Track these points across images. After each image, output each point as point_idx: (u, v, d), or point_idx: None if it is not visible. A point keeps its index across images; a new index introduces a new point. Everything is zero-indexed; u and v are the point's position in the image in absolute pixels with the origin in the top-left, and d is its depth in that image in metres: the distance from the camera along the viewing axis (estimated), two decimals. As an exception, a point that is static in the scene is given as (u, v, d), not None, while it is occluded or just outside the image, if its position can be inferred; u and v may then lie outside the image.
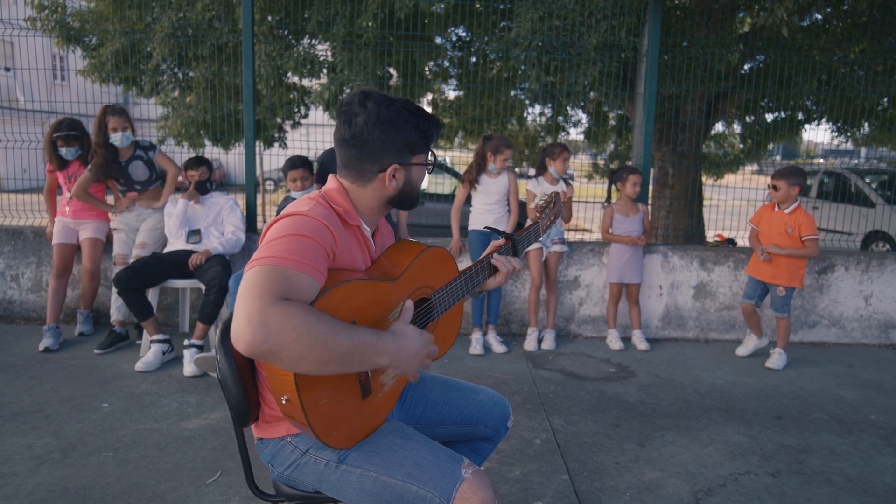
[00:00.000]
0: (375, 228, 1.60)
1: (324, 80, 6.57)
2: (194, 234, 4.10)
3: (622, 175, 4.63)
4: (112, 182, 4.31)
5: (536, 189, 4.57)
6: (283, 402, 1.31)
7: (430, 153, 1.55)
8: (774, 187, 4.12)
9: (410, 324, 1.40)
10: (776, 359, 4.22)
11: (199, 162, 4.20)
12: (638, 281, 4.58)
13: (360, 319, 1.36)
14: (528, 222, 4.51)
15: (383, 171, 1.46)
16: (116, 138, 4.05)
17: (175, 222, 4.07)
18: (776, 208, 4.17)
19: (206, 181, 4.21)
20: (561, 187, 4.58)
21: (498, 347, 4.37)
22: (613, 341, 4.55)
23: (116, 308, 4.19)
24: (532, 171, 7.62)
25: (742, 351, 4.45)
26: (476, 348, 4.31)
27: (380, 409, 1.48)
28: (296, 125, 7.75)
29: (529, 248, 4.50)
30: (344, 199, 1.47)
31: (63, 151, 4.27)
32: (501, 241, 1.77)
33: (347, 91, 6.38)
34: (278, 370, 1.27)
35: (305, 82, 7.28)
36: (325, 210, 1.39)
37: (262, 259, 1.24)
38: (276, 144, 7.97)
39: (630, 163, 5.33)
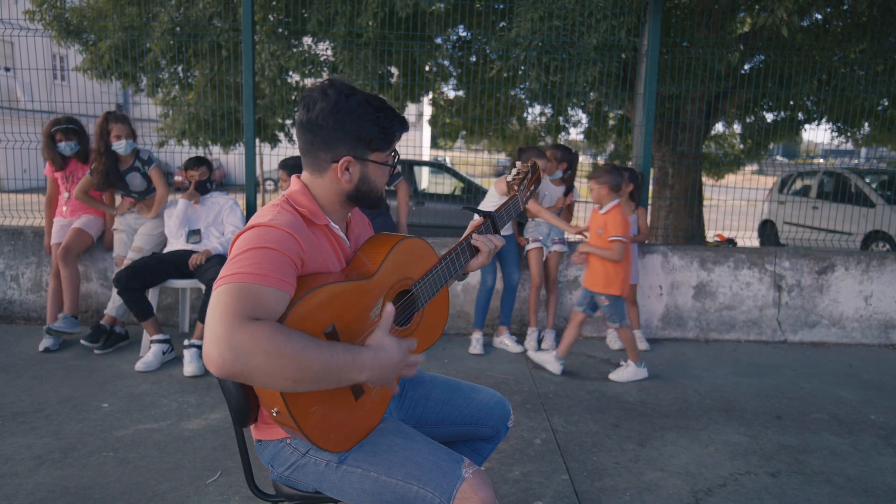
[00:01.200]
0: (347, 223, 1.58)
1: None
2: (194, 234, 4.10)
3: None
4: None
5: (542, 189, 4.58)
6: (274, 413, 1.31)
7: (392, 154, 1.51)
8: (591, 189, 3.97)
9: (389, 334, 1.37)
10: (620, 372, 3.87)
11: (200, 162, 4.20)
12: (633, 282, 4.57)
13: (339, 323, 1.34)
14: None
15: (336, 161, 1.43)
16: (120, 146, 4.01)
17: (175, 222, 4.07)
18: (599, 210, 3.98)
19: (207, 181, 4.21)
20: (564, 189, 4.58)
21: (514, 347, 4.36)
22: (613, 341, 4.56)
23: (115, 307, 4.18)
24: None
25: (613, 376, 3.90)
26: (476, 348, 4.31)
27: (375, 407, 1.47)
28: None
29: (530, 248, 4.51)
30: (308, 200, 1.44)
31: (62, 146, 4.23)
32: (480, 220, 1.72)
33: None
34: None
35: (307, 82, 7.28)
36: (289, 216, 1.37)
37: (227, 277, 1.22)
38: (283, 142, 7.97)
39: (630, 163, 5.34)
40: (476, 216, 1.75)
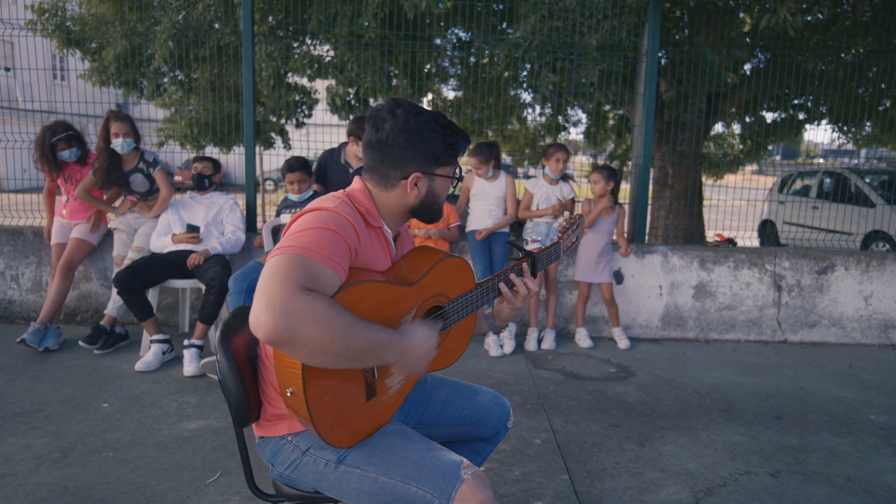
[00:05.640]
0: (397, 234, 1.61)
1: (331, 81, 6.55)
2: (193, 228, 4.10)
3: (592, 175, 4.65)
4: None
5: (534, 189, 4.58)
6: (288, 394, 1.32)
7: (456, 167, 1.57)
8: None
9: (423, 324, 1.42)
10: None
11: (208, 159, 4.28)
12: (607, 281, 4.56)
13: (374, 319, 1.37)
14: (532, 245, 4.50)
15: (406, 178, 1.48)
16: (117, 144, 4.03)
17: (155, 235, 4.13)
18: None
19: (207, 177, 4.22)
20: (560, 189, 4.58)
21: (494, 350, 4.30)
22: (582, 339, 4.55)
23: (115, 307, 4.17)
24: (532, 171, 7.60)
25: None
26: (489, 344, 4.33)
27: (383, 411, 1.48)
28: (300, 125, 7.73)
29: (531, 248, 4.50)
30: (368, 201, 1.49)
31: (66, 154, 4.25)
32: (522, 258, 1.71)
33: (352, 91, 6.39)
34: (287, 362, 1.29)
35: (309, 82, 7.27)
36: (350, 208, 1.42)
37: (287, 248, 1.25)
38: (280, 145, 7.94)
39: (630, 163, 5.34)
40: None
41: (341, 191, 1.50)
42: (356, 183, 1.54)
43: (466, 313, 1.61)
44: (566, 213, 1.96)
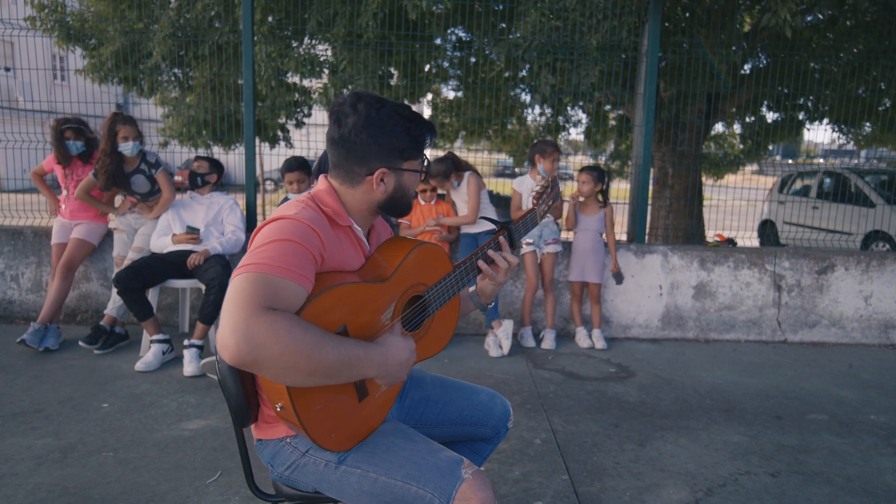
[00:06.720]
0: (370, 227, 1.59)
1: (325, 80, 6.55)
2: (193, 229, 4.09)
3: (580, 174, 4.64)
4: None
5: (521, 188, 4.57)
6: (278, 409, 1.31)
7: (423, 160, 1.53)
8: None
9: (399, 335, 1.41)
10: None
11: (208, 159, 4.27)
12: (595, 281, 4.56)
13: (351, 322, 1.35)
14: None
15: (371, 174, 1.45)
16: (127, 148, 4.03)
17: (156, 234, 4.12)
18: None
19: (201, 175, 4.21)
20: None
21: (494, 351, 4.31)
22: (582, 339, 4.55)
23: (115, 307, 4.17)
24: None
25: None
26: (489, 345, 4.32)
27: (378, 410, 1.48)
28: (299, 125, 7.73)
29: (525, 251, 4.49)
30: (333, 201, 1.46)
31: (69, 143, 4.25)
32: (499, 232, 1.70)
33: (346, 91, 6.39)
34: None
35: (306, 82, 7.27)
36: (313, 212, 1.38)
37: (248, 266, 1.23)
38: (282, 143, 7.95)
39: (630, 162, 5.34)
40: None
41: (306, 193, 1.47)
42: (321, 183, 1.51)
43: (448, 297, 1.59)
44: (538, 177, 1.92)
